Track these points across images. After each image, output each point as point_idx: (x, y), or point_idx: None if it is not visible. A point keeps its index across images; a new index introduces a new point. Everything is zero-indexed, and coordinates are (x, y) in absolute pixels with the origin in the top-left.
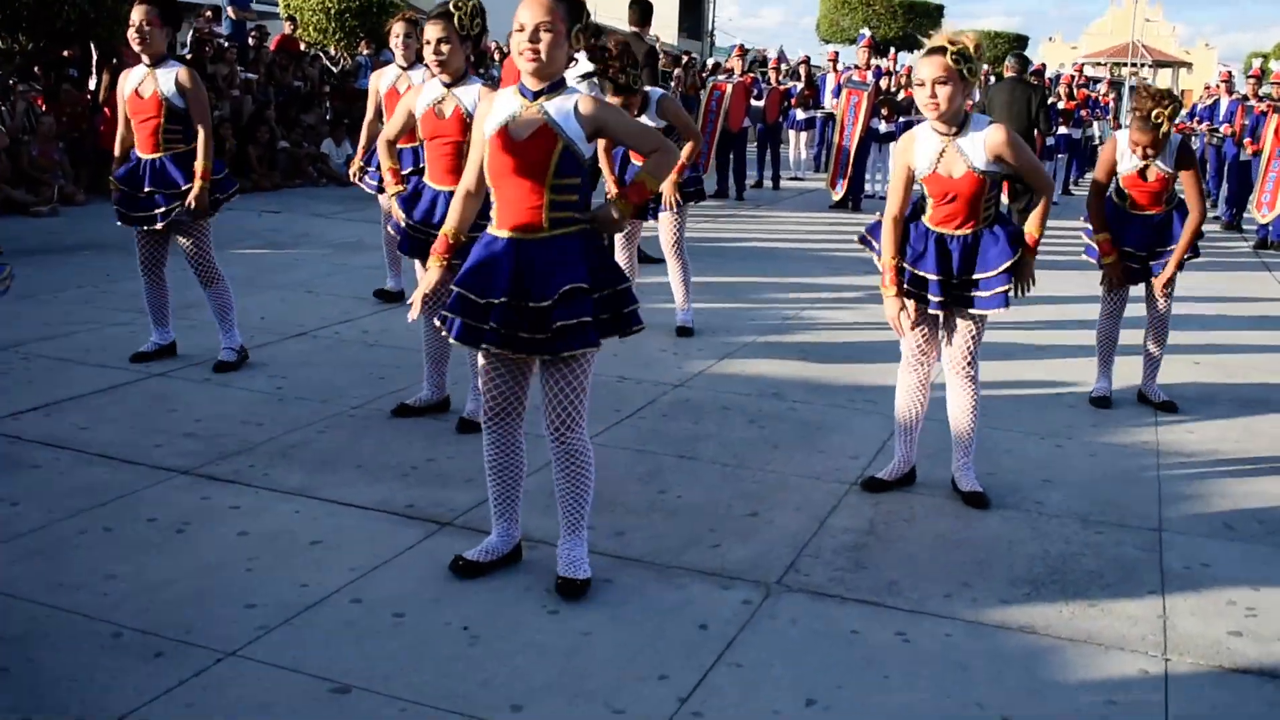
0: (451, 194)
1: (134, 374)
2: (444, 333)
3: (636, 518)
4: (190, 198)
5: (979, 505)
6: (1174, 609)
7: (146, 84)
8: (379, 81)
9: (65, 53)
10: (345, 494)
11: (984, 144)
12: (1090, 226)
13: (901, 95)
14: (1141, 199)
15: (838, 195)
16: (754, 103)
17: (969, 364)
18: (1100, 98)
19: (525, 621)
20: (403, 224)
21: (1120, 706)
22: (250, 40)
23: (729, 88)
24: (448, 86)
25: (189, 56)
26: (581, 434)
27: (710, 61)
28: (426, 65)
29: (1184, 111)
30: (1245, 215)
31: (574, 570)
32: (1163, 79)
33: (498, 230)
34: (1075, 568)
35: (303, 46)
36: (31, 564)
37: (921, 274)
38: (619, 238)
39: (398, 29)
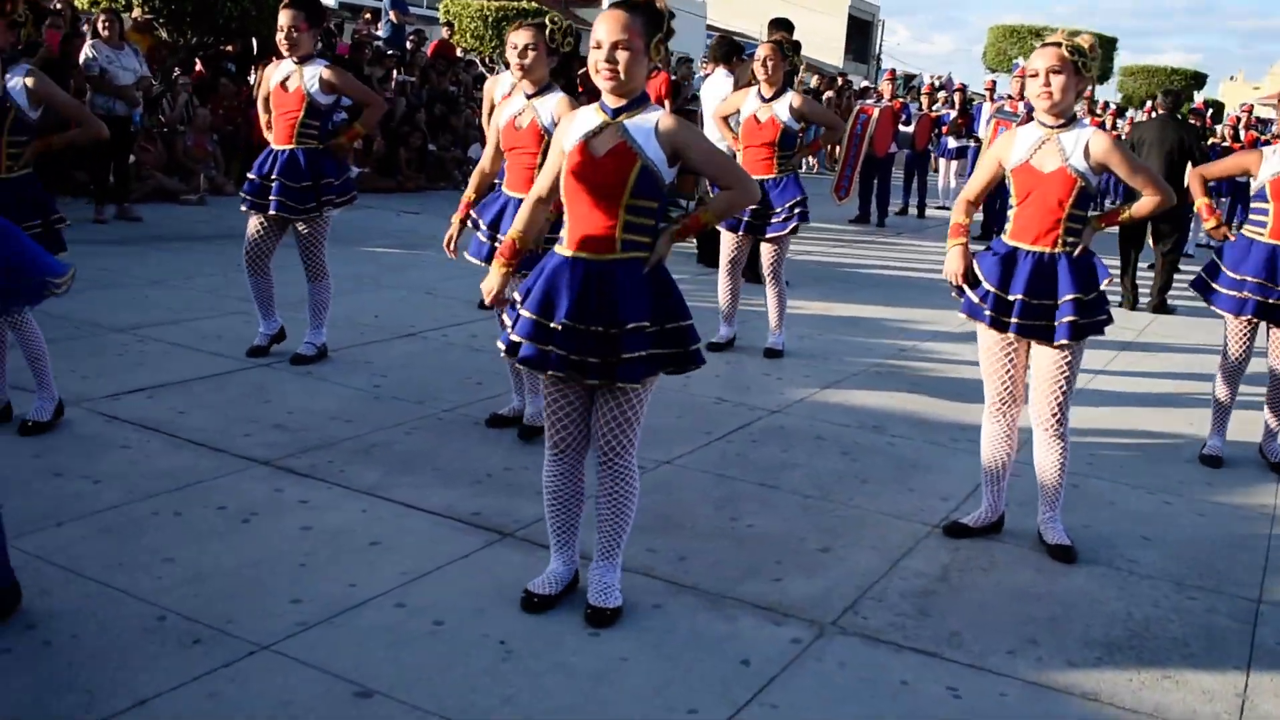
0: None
1: (240, 363)
2: (507, 357)
3: (702, 543)
4: (335, 140)
5: (1065, 559)
6: (1257, 687)
7: (292, 79)
8: (494, 88)
9: (229, 47)
10: (416, 496)
11: (1086, 145)
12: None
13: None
14: None
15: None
16: (903, 129)
17: (1057, 418)
18: (1272, 139)
19: (563, 641)
20: (477, 233)
21: None
22: (408, 44)
23: (875, 112)
24: (529, 98)
25: (347, 57)
26: (631, 460)
27: (861, 84)
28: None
29: None
30: None
31: (605, 598)
32: None
33: (566, 250)
34: (1158, 633)
35: (459, 52)
36: (98, 542)
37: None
38: (724, 260)
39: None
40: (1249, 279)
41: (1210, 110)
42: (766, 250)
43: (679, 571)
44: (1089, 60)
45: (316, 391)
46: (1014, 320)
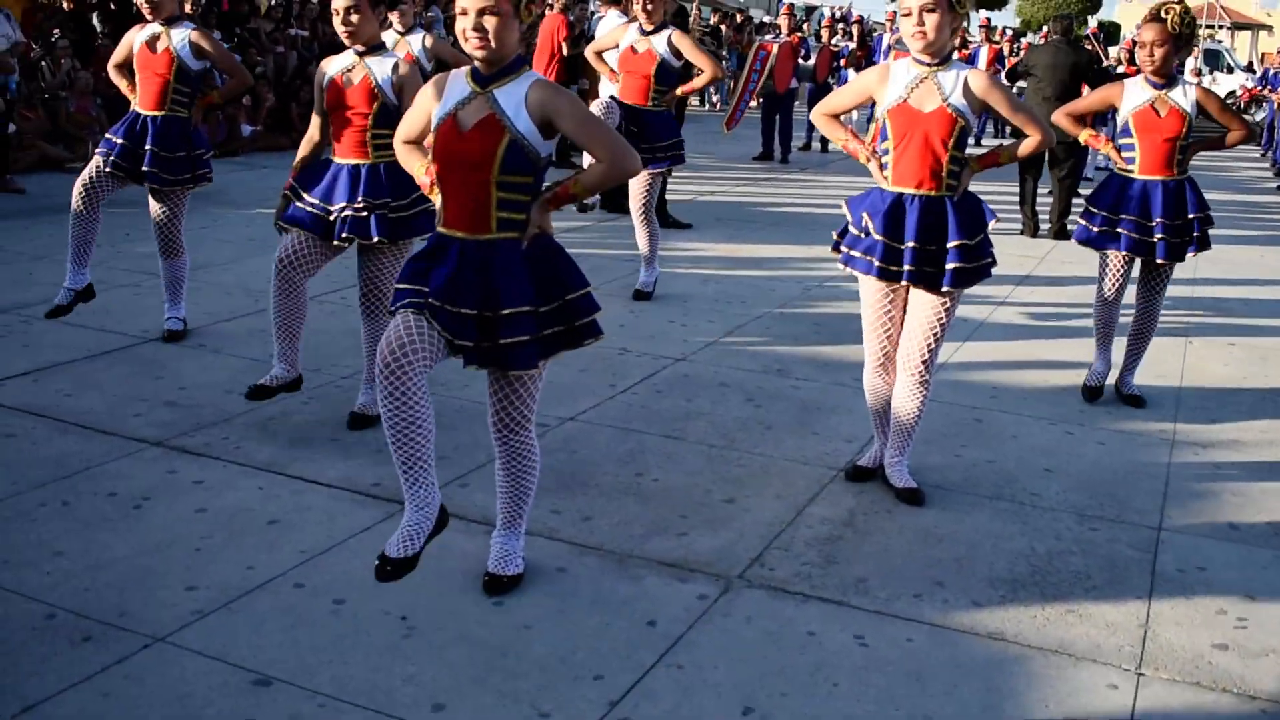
0: (357, 167)
1: (129, 339)
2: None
3: (607, 501)
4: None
5: (914, 502)
6: (1159, 617)
7: (161, 39)
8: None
9: (112, 5)
10: (313, 470)
11: (965, 81)
12: (1088, 223)
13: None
14: (1153, 152)
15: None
16: (803, 63)
17: (926, 364)
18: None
19: (466, 612)
20: (296, 202)
21: None
22: None
23: (775, 47)
24: (360, 55)
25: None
26: (529, 435)
27: (763, 19)
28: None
29: (1256, 77)
30: None
31: (504, 566)
32: (1241, 42)
33: (445, 228)
34: (1061, 568)
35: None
36: None
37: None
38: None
39: None
40: (1125, 217)
41: (1103, 34)
42: (637, 185)
43: (583, 533)
44: None
45: (210, 365)
46: (907, 268)
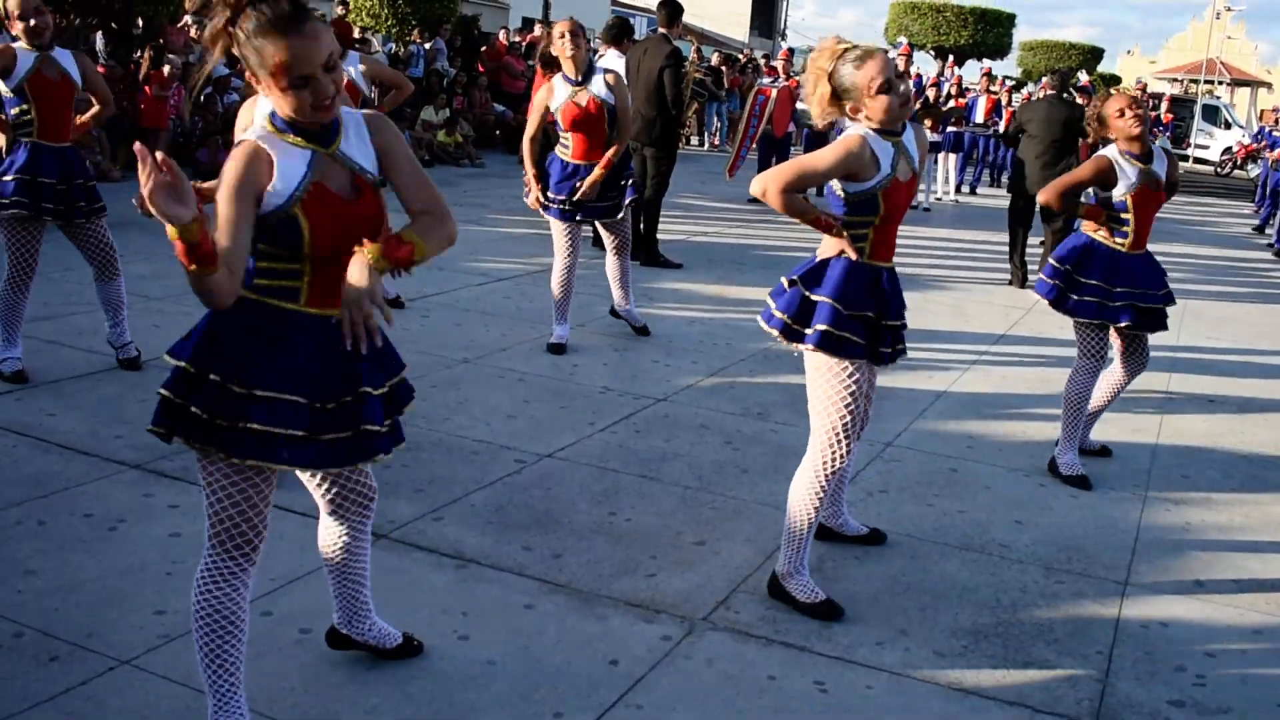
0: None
1: (115, 360)
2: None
3: (578, 540)
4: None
5: (877, 541)
6: (1118, 672)
7: (50, 67)
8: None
9: (113, 25)
10: (290, 498)
11: (916, 140)
12: (1051, 276)
13: (950, 104)
14: (1145, 226)
15: None
16: (800, 106)
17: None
18: (1163, 115)
19: (431, 646)
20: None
21: None
22: None
23: (774, 92)
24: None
25: None
26: (369, 535)
27: (760, 58)
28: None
29: (1249, 134)
30: None
31: (387, 640)
32: (1240, 98)
33: (316, 309)
34: (1025, 620)
35: (355, 33)
36: None
37: (868, 315)
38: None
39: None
40: (1121, 290)
41: (1094, 88)
42: (610, 234)
43: (552, 570)
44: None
45: None
46: (889, 350)
